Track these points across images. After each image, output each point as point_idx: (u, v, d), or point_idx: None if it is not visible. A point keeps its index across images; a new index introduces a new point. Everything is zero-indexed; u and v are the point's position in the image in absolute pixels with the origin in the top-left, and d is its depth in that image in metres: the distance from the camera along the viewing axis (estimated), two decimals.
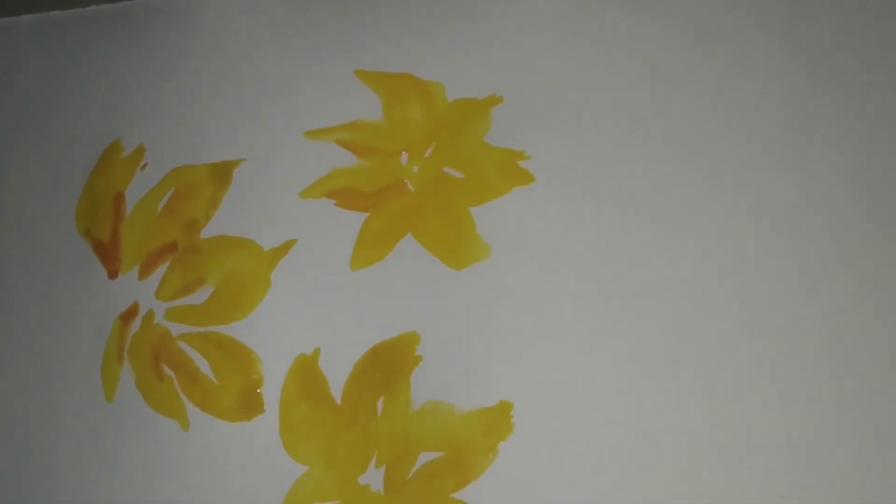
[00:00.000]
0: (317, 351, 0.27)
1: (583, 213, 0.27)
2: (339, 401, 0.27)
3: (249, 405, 0.27)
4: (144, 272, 0.29)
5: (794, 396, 0.24)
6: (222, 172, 0.29)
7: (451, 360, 0.26)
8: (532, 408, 0.26)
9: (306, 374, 0.27)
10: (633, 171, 0.27)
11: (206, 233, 0.29)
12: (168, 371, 0.27)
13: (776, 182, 0.26)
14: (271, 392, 0.27)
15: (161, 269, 0.28)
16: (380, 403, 0.26)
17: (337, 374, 0.27)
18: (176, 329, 0.28)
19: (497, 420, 0.26)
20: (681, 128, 0.27)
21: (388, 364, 0.27)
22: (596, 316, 0.26)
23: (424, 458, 0.26)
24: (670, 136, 0.27)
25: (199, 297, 0.28)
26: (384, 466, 0.26)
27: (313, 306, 0.27)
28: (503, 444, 0.25)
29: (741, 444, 0.24)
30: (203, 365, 0.27)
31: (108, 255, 0.29)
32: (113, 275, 0.28)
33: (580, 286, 0.26)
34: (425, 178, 0.28)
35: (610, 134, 0.27)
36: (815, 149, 0.26)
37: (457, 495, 0.25)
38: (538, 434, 0.25)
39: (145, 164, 0.29)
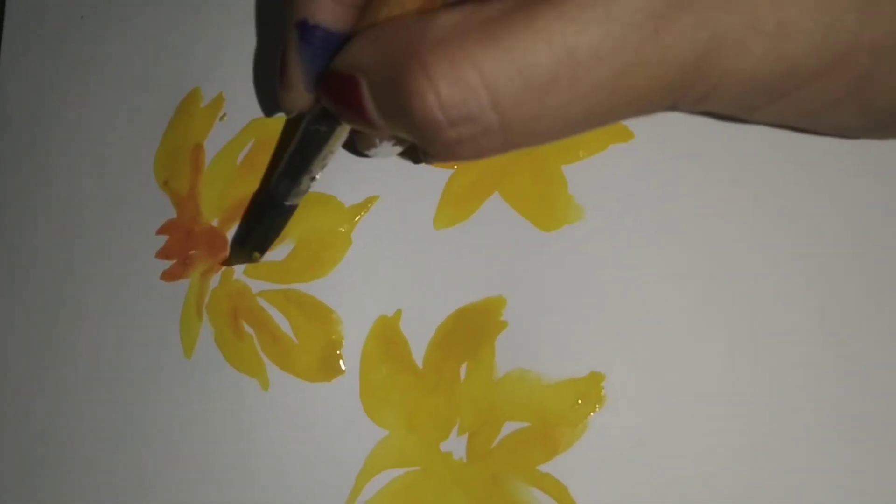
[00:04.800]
0: (398, 313, 0.26)
1: (685, 173, 0.25)
2: (420, 365, 0.26)
3: (329, 366, 0.26)
4: (223, 226, 0.28)
5: None
6: None
7: (539, 326, 0.25)
8: (626, 380, 0.24)
9: (387, 336, 0.26)
10: (742, 126, 0.25)
11: None
12: (248, 328, 0.27)
13: None
14: (351, 353, 0.26)
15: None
16: (463, 369, 0.25)
17: (419, 338, 0.26)
18: (255, 286, 0.27)
19: (587, 391, 0.24)
20: None
21: (473, 329, 0.26)
22: (698, 284, 0.24)
23: (509, 427, 0.25)
24: None
25: (279, 253, 0.27)
26: (467, 434, 0.25)
27: (395, 266, 0.26)
28: (594, 416, 0.24)
29: (856, 426, 0.23)
30: (283, 323, 0.27)
31: (187, 209, 0.28)
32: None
33: (680, 252, 0.25)
34: None
35: None
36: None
37: (543, 468, 0.24)
38: (632, 408, 0.24)
39: (224, 115, 0.29)
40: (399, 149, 0.24)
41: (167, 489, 0.27)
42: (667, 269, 0.25)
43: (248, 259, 0.27)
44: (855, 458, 0.23)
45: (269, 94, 0.28)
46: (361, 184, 0.27)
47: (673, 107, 0.19)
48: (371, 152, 0.24)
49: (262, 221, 0.26)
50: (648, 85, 0.18)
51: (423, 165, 0.27)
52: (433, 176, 0.27)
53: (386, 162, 0.27)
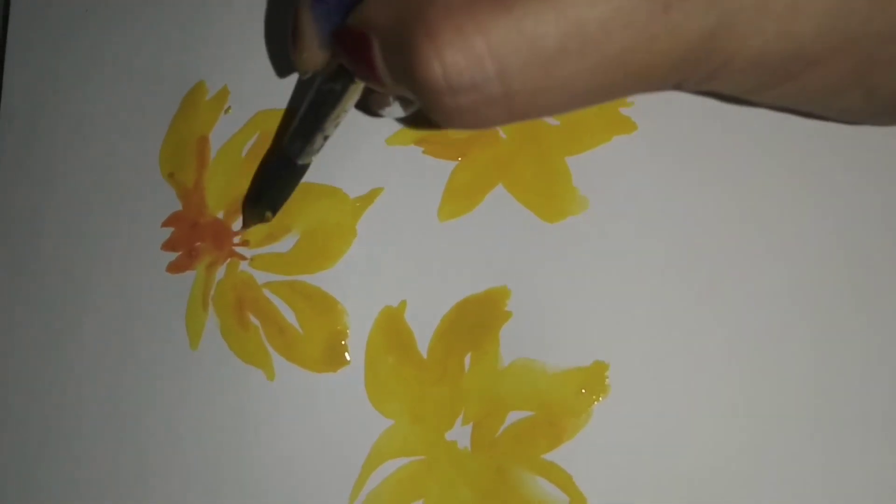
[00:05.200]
0: (403, 303, 0.26)
1: (688, 164, 0.25)
2: (425, 355, 0.26)
3: (334, 356, 0.26)
4: (229, 218, 0.28)
5: None
6: None
7: (543, 317, 0.25)
8: (629, 369, 0.24)
9: (392, 326, 0.26)
10: (745, 117, 0.25)
11: None
12: (253, 320, 0.27)
13: None
14: (356, 344, 0.26)
15: None
16: (467, 359, 0.26)
17: (423, 328, 0.26)
18: (261, 277, 0.27)
19: (591, 381, 0.25)
20: None
21: (477, 319, 0.26)
22: (701, 275, 0.25)
23: (513, 416, 0.25)
24: None
25: (285, 245, 0.27)
26: (471, 424, 0.25)
27: (400, 257, 0.27)
28: (597, 405, 0.24)
29: (858, 413, 0.23)
30: (288, 314, 0.27)
31: (193, 201, 0.28)
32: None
33: (684, 243, 0.25)
34: (518, 125, 0.27)
35: None
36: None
37: (548, 457, 0.24)
38: (636, 397, 0.24)
39: (229, 107, 0.29)
40: (413, 109, 0.24)
41: (173, 479, 0.27)
42: (670, 259, 0.25)
43: (261, 219, 0.27)
44: (859, 443, 0.23)
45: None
46: (366, 176, 0.27)
47: (678, 85, 0.19)
48: (384, 112, 0.24)
49: (275, 181, 0.26)
50: (656, 61, 0.17)
51: (427, 157, 0.27)
52: (437, 168, 0.27)
53: (390, 154, 0.27)
